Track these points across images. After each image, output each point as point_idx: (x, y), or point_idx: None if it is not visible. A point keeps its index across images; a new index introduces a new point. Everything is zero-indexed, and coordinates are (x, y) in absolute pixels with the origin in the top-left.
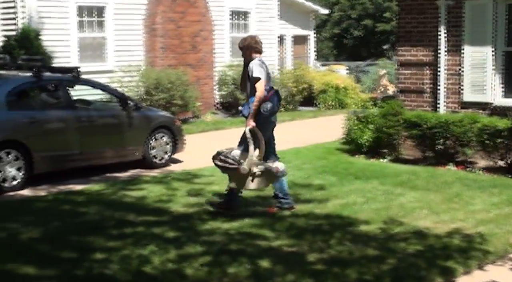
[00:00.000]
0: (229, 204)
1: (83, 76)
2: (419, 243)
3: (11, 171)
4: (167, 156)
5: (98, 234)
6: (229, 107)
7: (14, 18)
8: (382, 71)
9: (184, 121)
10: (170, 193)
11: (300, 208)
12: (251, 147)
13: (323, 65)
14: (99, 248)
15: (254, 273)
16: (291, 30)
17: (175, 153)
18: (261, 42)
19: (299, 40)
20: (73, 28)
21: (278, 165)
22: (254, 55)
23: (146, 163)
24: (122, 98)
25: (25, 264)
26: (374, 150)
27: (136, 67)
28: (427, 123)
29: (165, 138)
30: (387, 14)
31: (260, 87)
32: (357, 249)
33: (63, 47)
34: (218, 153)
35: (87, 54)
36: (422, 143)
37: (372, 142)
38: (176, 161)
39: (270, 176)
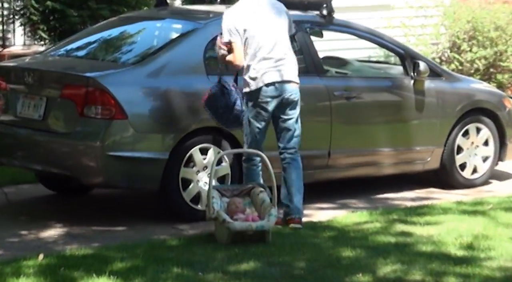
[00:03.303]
0: None
1: (338, 16)
2: None
3: (203, 177)
4: (486, 165)
5: None
6: None
7: None
8: None
9: None
10: (490, 233)
11: None
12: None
13: None
14: None
15: None
16: None
17: (500, 160)
18: None
19: None
20: None
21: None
22: None
23: (446, 176)
24: (406, 57)
25: None
26: None
27: (435, 1)
28: None
29: (484, 133)
30: None
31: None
32: None
33: None
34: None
35: None
36: None
37: None
38: (500, 176)
39: (221, 230)
